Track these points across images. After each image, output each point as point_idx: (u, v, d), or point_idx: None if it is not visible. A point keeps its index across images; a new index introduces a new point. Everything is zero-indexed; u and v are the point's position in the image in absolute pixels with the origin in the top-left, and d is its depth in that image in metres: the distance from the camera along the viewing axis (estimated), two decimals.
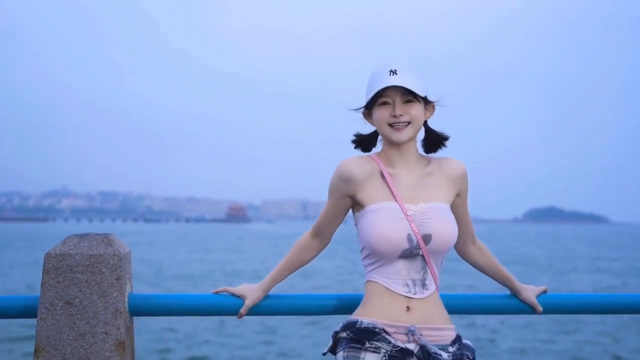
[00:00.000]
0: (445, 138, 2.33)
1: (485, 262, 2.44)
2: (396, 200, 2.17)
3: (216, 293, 2.45)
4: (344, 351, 2.14)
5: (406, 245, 2.13)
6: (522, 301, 2.52)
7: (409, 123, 2.19)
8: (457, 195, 2.30)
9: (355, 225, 2.25)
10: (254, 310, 2.42)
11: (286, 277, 2.40)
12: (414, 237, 2.13)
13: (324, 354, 2.23)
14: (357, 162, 2.25)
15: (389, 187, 2.20)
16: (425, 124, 2.30)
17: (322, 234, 2.37)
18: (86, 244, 2.33)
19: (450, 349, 2.14)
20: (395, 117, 2.18)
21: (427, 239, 2.14)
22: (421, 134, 2.31)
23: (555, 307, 2.58)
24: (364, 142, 2.37)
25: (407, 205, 2.17)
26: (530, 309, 2.53)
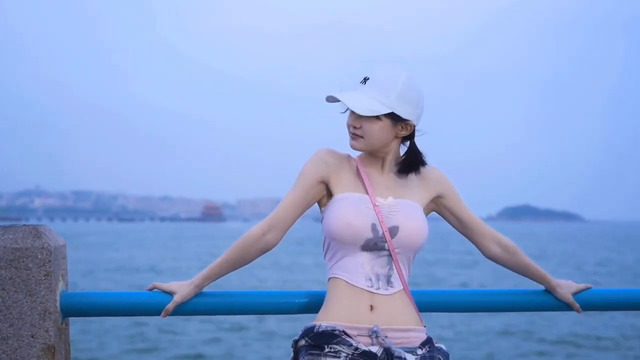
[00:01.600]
0: (422, 162, 2.18)
1: (512, 261, 2.27)
2: (367, 193, 2.07)
3: (148, 290, 2.21)
4: (303, 359, 1.96)
5: (370, 235, 2.02)
6: (559, 300, 2.34)
7: (362, 137, 2.08)
8: (439, 197, 2.21)
9: (321, 221, 2.11)
10: (184, 309, 2.17)
11: (224, 275, 2.15)
12: (379, 228, 2.02)
13: None
14: (334, 151, 2.19)
15: (362, 180, 2.10)
16: (411, 139, 2.14)
17: (277, 228, 2.11)
18: (11, 237, 2.05)
19: (419, 352, 1.99)
20: (350, 128, 2.10)
21: (393, 231, 2.03)
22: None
23: (595, 303, 2.41)
24: None
25: (377, 197, 2.07)
26: (567, 306, 2.35)
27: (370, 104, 2.02)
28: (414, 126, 2.10)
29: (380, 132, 2.06)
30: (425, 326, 2.10)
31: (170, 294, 2.17)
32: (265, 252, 2.14)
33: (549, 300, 2.38)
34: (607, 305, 2.46)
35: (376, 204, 2.06)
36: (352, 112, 2.07)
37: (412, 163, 2.16)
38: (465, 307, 2.40)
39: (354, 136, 2.09)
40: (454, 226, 2.28)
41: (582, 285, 2.38)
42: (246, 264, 2.14)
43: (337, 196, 2.09)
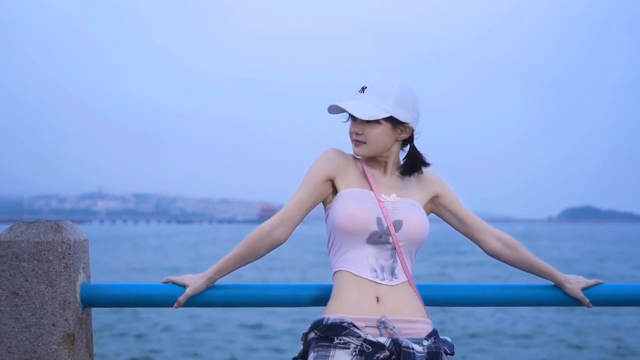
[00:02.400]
0: (424, 164, 2.26)
1: (516, 257, 2.30)
2: (372, 189, 2.16)
3: (163, 283, 2.32)
4: (314, 351, 2.02)
5: (375, 228, 2.09)
6: (568, 295, 2.35)
7: (364, 143, 2.17)
8: (436, 197, 2.29)
9: (326, 220, 2.19)
10: (196, 301, 2.27)
11: (235, 269, 2.23)
12: (384, 222, 2.10)
13: (295, 359, 2.11)
14: (341, 151, 2.27)
15: (367, 178, 2.19)
16: (411, 142, 2.23)
17: (286, 224, 2.18)
18: (34, 231, 2.20)
19: (425, 343, 2.03)
20: (352, 135, 2.19)
21: (397, 225, 2.11)
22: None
23: (605, 298, 2.40)
24: None
25: (381, 194, 2.16)
26: (577, 302, 2.36)
27: (370, 109, 2.12)
28: (413, 129, 2.19)
29: (381, 136, 2.15)
30: (430, 319, 2.14)
31: (183, 286, 2.28)
32: (274, 247, 2.21)
33: (557, 295, 2.38)
34: (618, 301, 2.44)
35: (380, 199, 2.14)
36: (354, 120, 2.18)
37: (414, 164, 2.25)
38: (470, 301, 2.43)
39: (357, 143, 2.18)
40: (453, 225, 2.33)
41: (592, 281, 2.38)
42: (256, 259, 2.22)
43: (343, 191, 2.16)
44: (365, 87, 2.17)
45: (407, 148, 2.25)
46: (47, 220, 2.25)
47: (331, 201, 2.20)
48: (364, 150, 2.19)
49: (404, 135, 2.19)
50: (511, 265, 2.32)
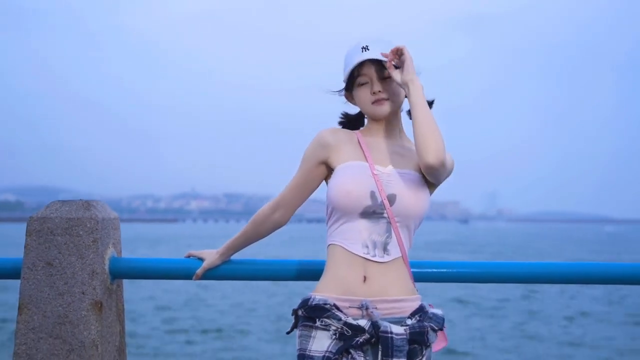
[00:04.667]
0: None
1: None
2: (367, 161, 2.14)
3: (187, 257, 2.53)
4: (299, 329, 2.10)
5: (368, 202, 2.08)
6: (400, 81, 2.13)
7: (387, 99, 2.16)
8: None
9: (327, 195, 2.21)
10: (212, 274, 2.46)
11: (243, 247, 2.41)
12: (378, 196, 2.08)
13: (288, 333, 2.19)
14: (332, 130, 2.26)
15: (362, 150, 2.18)
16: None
17: (283, 208, 2.29)
18: (67, 209, 2.44)
19: (409, 322, 2.04)
20: (375, 95, 2.16)
21: (391, 199, 2.08)
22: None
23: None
24: (351, 122, 2.35)
25: (376, 166, 2.13)
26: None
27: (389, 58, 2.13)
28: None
29: (399, 89, 2.15)
30: (419, 295, 2.14)
31: (202, 259, 2.47)
32: (276, 229, 2.35)
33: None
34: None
35: (375, 172, 2.11)
36: (371, 81, 2.15)
37: None
38: (461, 278, 2.54)
39: (381, 101, 2.15)
40: None
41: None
42: (260, 238, 2.37)
43: (338, 167, 2.16)
44: (367, 46, 2.14)
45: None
46: (80, 200, 2.49)
47: (329, 177, 2.22)
48: (387, 107, 2.16)
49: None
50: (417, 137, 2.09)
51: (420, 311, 2.08)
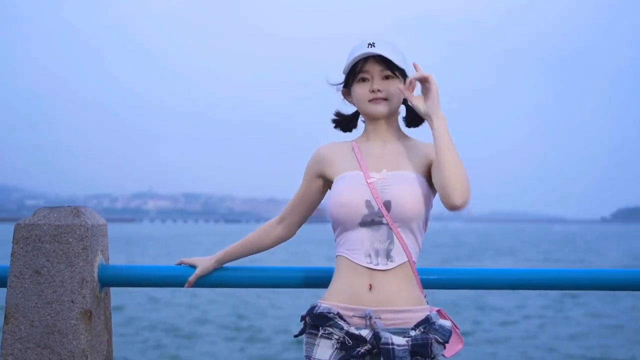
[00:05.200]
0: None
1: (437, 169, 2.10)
2: (361, 170, 2.14)
3: (178, 265, 2.49)
4: (305, 336, 2.12)
5: (365, 211, 2.07)
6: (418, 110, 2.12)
7: (386, 99, 2.16)
8: (432, 161, 2.16)
9: (326, 208, 2.22)
10: (205, 281, 2.43)
11: (242, 256, 2.40)
12: (374, 204, 2.07)
13: (296, 337, 2.19)
14: (329, 144, 2.29)
15: (356, 158, 2.18)
16: (405, 101, 2.24)
17: (286, 221, 2.34)
18: (55, 215, 2.39)
19: (412, 333, 2.00)
20: (373, 92, 2.15)
21: (387, 205, 2.07)
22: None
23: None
24: (344, 122, 2.34)
25: (370, 173, 2.12)
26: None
27: (395, 57, 2.13)
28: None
29: (397, 92, 2.16)
30: (426, 305, 2.09)
31: (194, 267, 2.44)
32: (279, 242, 2.37)
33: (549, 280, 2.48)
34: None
35: (369, 180, 2.09)
36: (372, 78, 2.14)
37: (416, 116, 2.23)
38: (470, 285, 2.53)
39: (378, 100, 2.15)
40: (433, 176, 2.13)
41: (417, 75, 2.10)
42: (262, 249, 2.37)
43: (335, 180, 2.18)
44: (374, 43, 2.13)
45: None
46: (68, 206, 2.43)
47: (329, 189, 2.26)
48: (386, 108, 2.16)
49: (408, 93, 2.16)
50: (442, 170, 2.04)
51: (426, 322, 2.03)
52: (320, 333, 2.04)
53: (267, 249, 2.38)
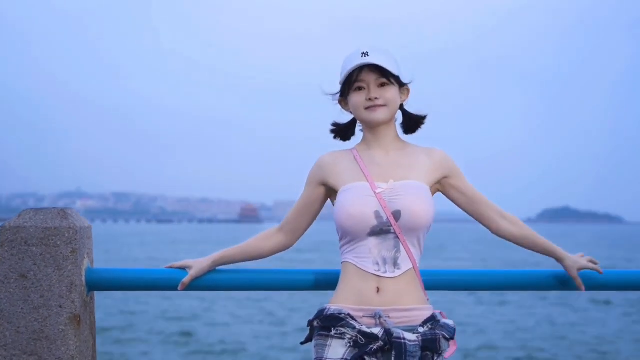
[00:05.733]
0: (423, 117, 2.34)
1: (521, 234, 2.33)
2: (367, 180, 2.18)
3: (167, 268, 2.44)
4: (315, 339, 2.15)
5: (374, 222, 2.13)
6: (566, 270, 2.38)
7: (384, 106, 2.20)
8: (445, 177, 2.28)
9: (334, 218, 2.24)
10: (199, 284, 2.38)
11: (239, 261, 2.37)
12: (383, 214, 2.13)
13: (302, 344, 2.22)
14: (332, 152, 2.33)
15: (360, 168, 2.22)
16: (402, 107, 2.31)
17: (288, 228, 2.35)
18: (42, 217, 2.30)
19: (420, 330, 2.09)
20: (370, 101, 2.19)
21: (397, 215, 2.13)
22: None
23: (599, 283, 2.47)
24: (342, 131, 2.38)
25: (377, 183, 2.18)
26: (569, 285, 2.43)
27: (389, 65, 2.18)
28: (409, 91, 2.28)
29: (395, 97, 2.21)
30: (430, 305, 2.19)
31: (186, 269, 2.38)
32: (279, 250, 2.36)
33: (554, 281, 2.50)
34: (611, 285, 2.54)
35: (377, 190, 2.14)
36: (367, 87, 2.19)
37: (415, 122, 2.32)
38: (469, 286, 2.59)
39: (376, 108, 2.19)
40: (460, 205, 2.32)
41: (590, 264, 2.36)
42: (259, 257, 2.36)
43: (340, 189, 2.21)
44: (367, 52, 2.17)
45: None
46: (54, 208, 2.35)
47: (334, 199, 2.27)
48: (385, 114, 2.20)
49: (404, 99, 2.27)
50: (517, 243, 2.35)
51: (432, 320, 2.13)
52: (332, 333, 2.09)
53: (265, 256, 2.36)
